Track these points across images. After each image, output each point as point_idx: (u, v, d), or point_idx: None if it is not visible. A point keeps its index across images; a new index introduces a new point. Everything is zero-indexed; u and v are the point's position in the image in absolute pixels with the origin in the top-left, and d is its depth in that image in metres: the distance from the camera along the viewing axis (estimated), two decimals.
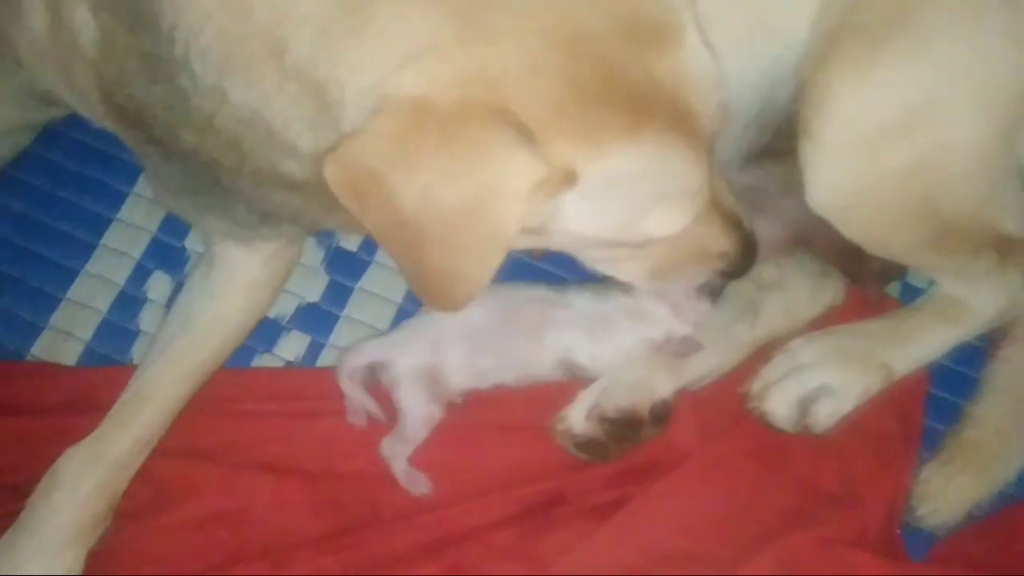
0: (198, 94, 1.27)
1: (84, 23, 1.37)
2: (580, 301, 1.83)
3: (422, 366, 1.78)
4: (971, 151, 1.54)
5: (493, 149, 1.11)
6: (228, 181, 1.43)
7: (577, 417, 1.76)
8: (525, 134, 1.11)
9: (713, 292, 1.79)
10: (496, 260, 1.18)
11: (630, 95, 1.18)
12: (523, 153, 1.11)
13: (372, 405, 1.79)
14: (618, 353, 1.81)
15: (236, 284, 1.81)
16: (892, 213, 1.58)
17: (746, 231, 1.50)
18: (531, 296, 1.85)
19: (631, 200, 1.26)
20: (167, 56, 1.25)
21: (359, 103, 1.15)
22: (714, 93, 1.28)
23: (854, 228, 1.62)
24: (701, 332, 1.81)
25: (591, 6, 1.17)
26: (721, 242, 1.49)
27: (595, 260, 1.48)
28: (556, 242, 1.36)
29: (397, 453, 1.76)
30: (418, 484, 1.76)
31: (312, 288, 1.98)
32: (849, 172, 1.55)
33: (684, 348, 1.81)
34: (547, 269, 1.93)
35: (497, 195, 1.13)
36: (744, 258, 1.52)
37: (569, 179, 1.16)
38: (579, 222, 1.25)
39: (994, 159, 1.56)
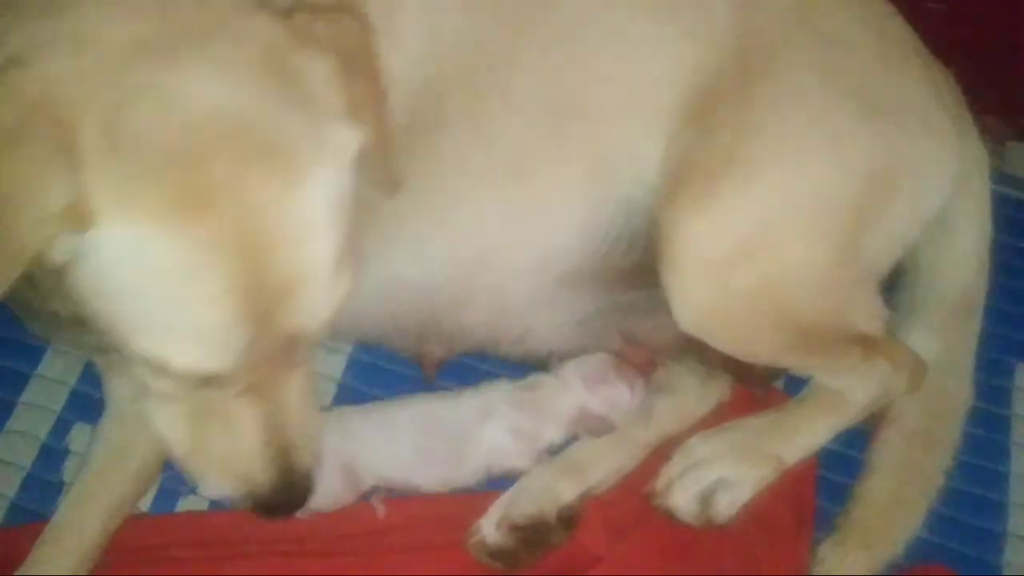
0: None
1: None
2: (503, 408, 1.92)
3: (339, 451, 1.82)
4: (811, 265, 1.67)
5: (36, 160, 1.11)
6: None
7: (488, 528, 1.82)
8: (74, 161, 1.11)
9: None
10: (11, 271, 1.14)
11: (192, 192, 1.14)
12: (60, 174, 1.11)
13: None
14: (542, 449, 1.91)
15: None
16: (749, 327, 1.70)
17: (291, 468, 1.38)
18: (455, 413, 1.92)
19: (152, 293, 1.18)
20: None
21: None
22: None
23: (720, 342, 1.73)
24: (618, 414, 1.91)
25: None
26: (253, 462, 1.37)
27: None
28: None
29: None
30: None
31: None
32: (705, 295, 1.66)
33: (599, 427, 1.91)
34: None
35: (24, 193, 1.11)
36: (275, 493, 1.40)
37: (84, 220, 1.13)
38: (100, 277, 1.18)
39: (835, 269, 1.69)
